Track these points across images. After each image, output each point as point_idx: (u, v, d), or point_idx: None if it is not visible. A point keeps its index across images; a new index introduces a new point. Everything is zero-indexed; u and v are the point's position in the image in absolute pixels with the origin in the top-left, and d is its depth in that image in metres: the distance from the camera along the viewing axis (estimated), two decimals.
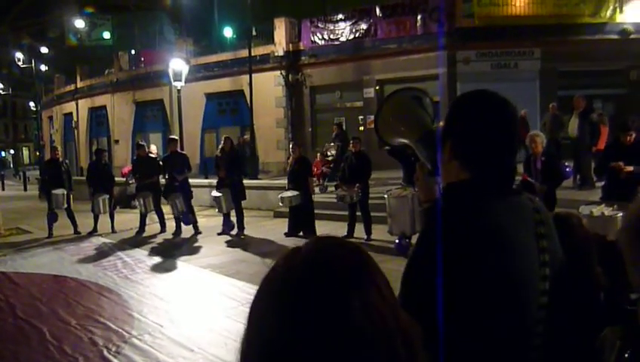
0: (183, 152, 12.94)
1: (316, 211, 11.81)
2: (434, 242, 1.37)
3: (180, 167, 12.16)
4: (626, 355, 1.76)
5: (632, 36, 17.33)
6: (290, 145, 12.34)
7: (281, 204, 11.62)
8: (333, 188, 14.25)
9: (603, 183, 8.14)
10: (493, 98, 1.55)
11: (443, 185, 1.62)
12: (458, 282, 1.36)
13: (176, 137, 13.18)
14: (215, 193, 11.89)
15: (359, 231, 10.64)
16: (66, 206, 12.76)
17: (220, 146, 12.37)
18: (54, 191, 12.61)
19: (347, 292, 0.82)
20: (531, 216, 1.51)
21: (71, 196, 12.97)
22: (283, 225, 11.87)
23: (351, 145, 11.15)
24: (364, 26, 19.83)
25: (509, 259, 1.41)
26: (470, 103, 1.59)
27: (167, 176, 12.33)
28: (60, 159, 13.54)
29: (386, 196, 9.57)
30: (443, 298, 1.30)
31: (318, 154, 16.17)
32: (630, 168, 7.22)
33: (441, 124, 1.63)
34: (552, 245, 1.51)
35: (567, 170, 11.35)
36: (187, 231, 12.21)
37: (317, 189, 14.81)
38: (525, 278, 1.43)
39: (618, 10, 17.48)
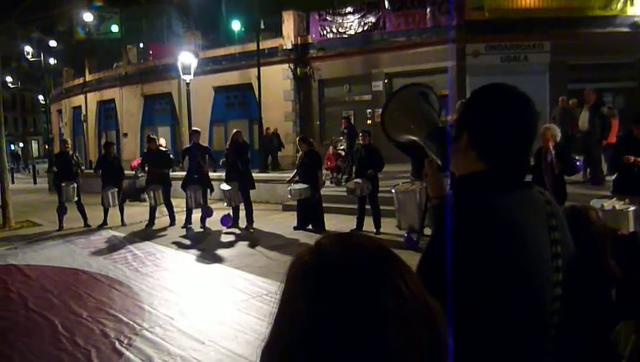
0: (205, 145, 12.95)
1: (325, 204, 11.82)
2: (446, 236, 1.39)
3: (201, 157, 12.21)
4: (632, 338, 1.78)
5: None
6: (297, 139, 12.33)
7: (289, 196, 11.62)
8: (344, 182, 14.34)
9: (614, 177, 8.10)
10: (513, 91, 1.57)
11: (455, 177, 1.64)
12: (472, 275, 1.38)
13: (199, 129, 13.20)
14: (224, 186, 11.91)
15: (368, 224, 10.64)
16: (76, 199, 12.82)
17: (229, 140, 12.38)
18: (64, 184, 12.67)
19: (384, 267, 0.84)
20: (543, 208, 1.53)
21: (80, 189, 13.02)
22: (292, 218, 11.89)
23: (360, 137, 11.12)
24: (372, 19, 19.77)
25: (521, 251, 1.43)
26: (490, 95, 1.60)
27: (187, 168, 12.33)
28: (70, 152, 13.59)
29: (393, 191, 9.57)
30: (457, 292, 1.30)
31: (331, 148, 16.16)
32: None
33: (450, 117, 1.67)
34: (563, 237, 1.53)
35: (578, 163, 11.29)
36: (198, 224, 12.23)
37: (328, 182, 14.85)
38: (539, 270, 1.45)
39: (629, 2, 17.34)
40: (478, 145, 1.54)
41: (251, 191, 12.11)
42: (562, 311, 1.48)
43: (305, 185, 11.13)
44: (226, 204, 12.30)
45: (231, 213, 12.21)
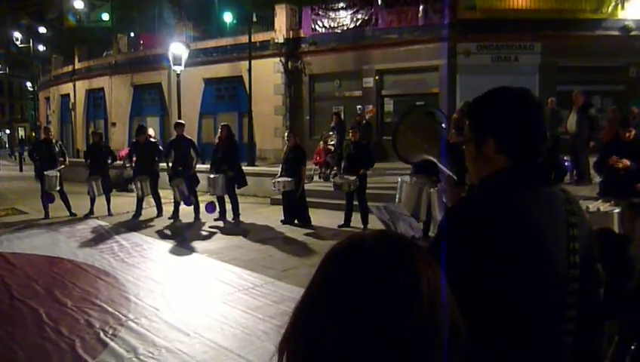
0: (189, 137, 12.94)
1: (313, 200, 11.83)
2: (470, 232, 1.49)
3: (185, 149, 12.20)
4: (632, 347, 1.82)
5: (632, 33, 17.34)
6: (286, 134, 12.34)
7: (274, 188, 11.66)
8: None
9: (601, 179, 8.17)
10: (527, 93, 1.68)
11: (476, 180, 1.71)
12: (492, 271, 1.45)
13: (183, 122, 13.18)
14: (211, 175, 11.92)
15: (356, 221, 10.67)
16: (58, 188, 12.70)
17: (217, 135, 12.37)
18: (47, 173, 12.51)
19: (415, 264, 0.89)
20: (564, 205, 1.60)
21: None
22: (279, 212, 11.88)
23: (350, 134, 11.13)
24: (365, 15, 19.75)
25: (539, 245, 1.50)
26: (510, 99, 1.67)
27: (172, 160, 12.33)
28: (54, 140, 13.45)
29: (399, 180, 9.57)
30: (476, 287, 1.41)
31: (321, 143, 16.13)
32: (627, 162, 7.24)
33: (454, 116, 1.73)
34: (582, 234, 1.59)
35: (567, 164, 11.42)
36: (185, 216, 12.21)
37: (316, 177, 14.88)
38: (555, 265, 1.52)
39: (619, 6, 17.48)
40: (508, 148, 1.61)
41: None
42: (579, 306, 1.53)
43: (289, 179, 11.16)
44: (209, 193, 12.29)
45: (215, 202, 12.22)
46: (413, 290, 0.85)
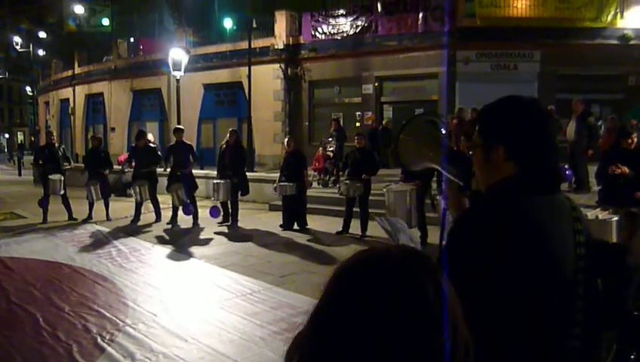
0: (189, 143, 12.96)
1: (311, 206, 11.81)
2: (480, 237, 1.52)
3: (185, 154, 12.21)
4: (632, 357, 1.83)
5: (631, 42, 17.38)
6: (285, 139, 12.37)
7: (275, 193, 11.67)
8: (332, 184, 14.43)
9: (600, 187, 8.18)
10: (536, 102, 1.72)
11: (484, 187, 1.73)
12: (502, 277, 1.47)
13: (183, 127, 13.20)
14: (216, 180, 11.95)
15: (354, 227, 10.66)
16: (62, 192, 12.70)
17: (225, 140, 12.38)
18: (51, 177, 12.54)
19: (439, 277, 0.90)
20: (569, 213, 1.64)
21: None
22: (278, 217, 11.88)
23: (355, 141, 11.10)
24: (365, 22, 19.79)
25: (548, 250, 1.53)
26: (520, 107, 1.70)
27: (171, 165, 12.34)
28: (57, 144, 13.48)
29: (384, 190, 9.61)
30: (484, 293, 1.44)
31: (320, 149, 16.14)
32: (626, 169, 7.25)
33: (454, 121, 1.75)
34: (587, 240, 1.64)
35: (567, 173, 11.45)
36: (184, 221, 12.20)
37: (315, 183, 14.89)
38: (563, 269, 1.55)
39: (619, 15, 17.52)
40: (517, 156, 1.64)
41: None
42: (585, 310, 1.58)
43: (291, 183, 11.17)
44: (213, 199, 12.28)
45: (219, 206, 12.23)
46: (439, 302, 0.86)
